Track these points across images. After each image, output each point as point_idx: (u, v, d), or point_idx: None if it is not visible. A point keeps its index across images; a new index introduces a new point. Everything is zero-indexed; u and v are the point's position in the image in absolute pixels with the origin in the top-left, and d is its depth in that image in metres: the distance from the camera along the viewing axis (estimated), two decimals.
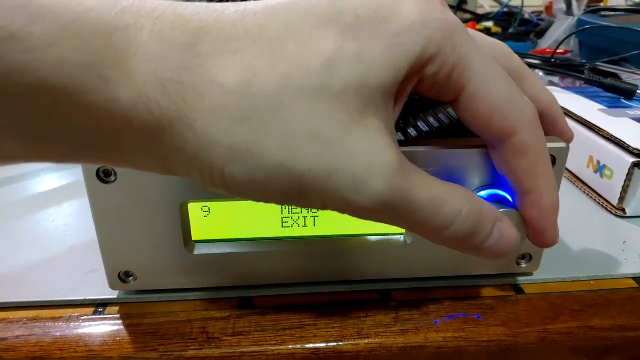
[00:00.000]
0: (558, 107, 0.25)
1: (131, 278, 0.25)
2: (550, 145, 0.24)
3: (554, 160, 0.24)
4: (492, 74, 0.19)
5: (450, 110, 0.28)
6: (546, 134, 0.25)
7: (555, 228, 0.21)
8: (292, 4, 0.18)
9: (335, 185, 0.17)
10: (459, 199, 0.19)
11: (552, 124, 0.24)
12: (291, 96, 0.16)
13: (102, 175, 0.23)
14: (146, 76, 0.15)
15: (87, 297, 0.26)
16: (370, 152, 0.17)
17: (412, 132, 0.26)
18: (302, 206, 0.18)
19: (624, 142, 0.33)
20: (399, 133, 0.25)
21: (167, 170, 0.17)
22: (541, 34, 0.77)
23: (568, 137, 0.25)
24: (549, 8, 0.90)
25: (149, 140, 0.16)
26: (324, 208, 0.18)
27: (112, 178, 0.23)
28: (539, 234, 0.22)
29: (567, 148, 0.24)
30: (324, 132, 0.16)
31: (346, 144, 0.16)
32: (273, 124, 0.16)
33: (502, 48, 0.24)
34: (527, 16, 0.89)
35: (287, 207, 0.25)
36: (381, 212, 0.17)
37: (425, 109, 0.28)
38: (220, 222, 0.25)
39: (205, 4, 0.17)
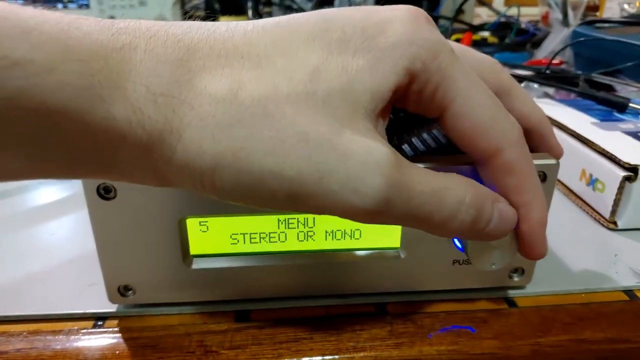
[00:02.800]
0: (547, 124, 0.25)
1: (130, 292, 0.26)
2: (540, 162, 0.24)
3: (544, 177, 0.24)
4: (476, 94, 0.19)
5: None
6: (535, 149, 0.25)
7: (544, 241, 0.22)
8: (282, 22, 0.18)
9: (329, 187, 0.16)
10: (460, 186, 0.19)
11: (541, 140, 0.25)
12: (277, 103, 0.16)
13: (102, 191, 0.23)
14: (139, 93, 0.16)
15: (87, 311, 0.26)
16: (363, 151, 0.17)
17: (406, 149, 0.26)
18: (299, 211, 0.18)
19: (615, 156, 0.33)
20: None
21: (162, 181, 0.18)
22: (537, 44, 0.77)
23: (557, 153, 0.25)
24: (545, 18, 0.91)
25: (142, 154, 0.17)
26: (322, 212, 0.18)
27: (112, 194, 0.23)
28: (529, 247, 0.22)
29: (557, 165, 0.24)
30: (312, 135, 0.16)
31: (337, 145, 0.16)
32: (259, 130, 0.16)
33: (491, 64, 0.25)
34: (523, 26, 0.90)
35: (283, 221, 0.26)
36: (382, 211, 0.17)
37: (420, 126, 0.28)
38: (217, 236, 0.26)
39: (198, 24, 0.18)
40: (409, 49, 0.18)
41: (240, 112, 0.16)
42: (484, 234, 0.20)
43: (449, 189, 0.18)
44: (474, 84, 0.19)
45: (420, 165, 0.23)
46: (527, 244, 0.22)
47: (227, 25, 0.18)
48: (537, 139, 0.25)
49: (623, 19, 0.68)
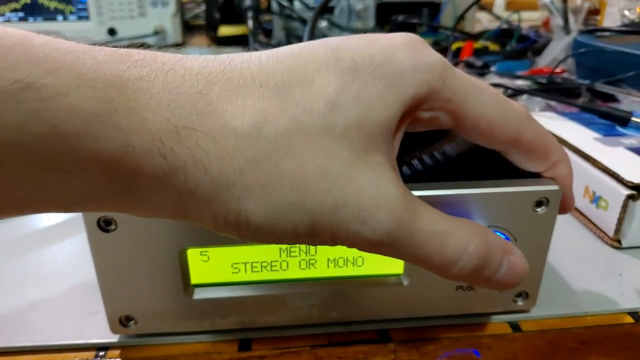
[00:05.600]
0: (571, 179, 0.25)
1: (132, 322, 0.26)
2: (543, 187, 0.24)
3: (547, 202, 0.24)
4: (483, 96, 0.20)
5: (445, 147, 0.28)
6: None
7: (573, 194, 0.25)
8: (294, 52, 0.19)
9: (343, 218, 0.17)
10: (466, 234, 0.19)
11: None
12: (299, 137, 0.17)
13: (102, 224, 0.23)
14: (159, 124, 0.16)
15: (88, 341, 0.26)
16: (374, 186, 0.17)
17: (405, 170, 0.26)
18: (313, 243, 0.18)
19: (619, 175, 0.33)
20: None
21: (177, 213, 0.18)
22: (539, 51, 0.77)
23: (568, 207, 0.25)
24: (546, 24, 0.90)
25: (161, 185, 0.17)
26: (334, 243, 0.18)
27: (113, 227, 0.23)
28: (562, 201, 0.24)
29: (560, 191, 0.24)
30: (331, 169, 0.17)
31: (352, 179, 0.17)
32: (284, 165, 0.17)
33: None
34: (524, 32, 0.89)
35: (284, 250, 0.25)
36: (386, 244, 0.18)
37: (420, 147, 0.28)
38: (218, 266, 0.26)
39: (212, 56, 0.19)
40: (414, 76, 0.18)
41: (266, 147, 0.17)
42: (491, 283, 0.20)
43: (452, 235, 0.19)
44: (478, 87, 0.20)
45: (429, 193, 0.23)
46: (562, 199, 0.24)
47: (241, 57, 0.19)
48: None
49: (624, 28, 0.68)
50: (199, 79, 0.17)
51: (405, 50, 0.19)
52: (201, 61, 0.18)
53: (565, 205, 0.25)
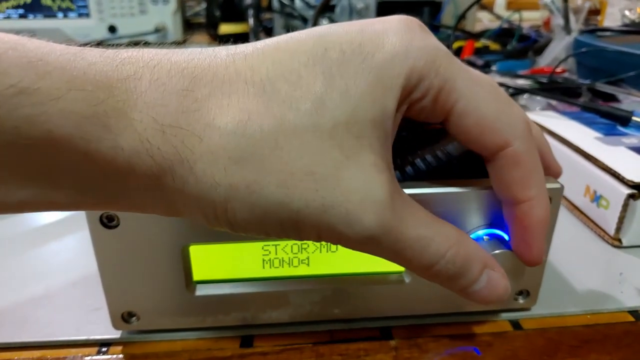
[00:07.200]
0: (544, 141, 0.25)
1: (134, 318, 0.26)
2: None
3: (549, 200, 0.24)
4: (479, 90, 0.19)
5: (448, 147, 0.28)
6: None
7: (542, 244, 0.21)
8: (281, 43, 0.18)
9: (329, 219, 0.17)
10: (446, 240, 0.19)
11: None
12: (285, 136, 0.17)
13: (105, 220, 0.23)
14: (146, 123, 0.16)
15: (91, 337, 0.26)
16: (363, 188, 0.17)
17: (409, 170, 0.26)
18: (299, 239, 0.18)
19: (619, 174, 0.33)
20: (397, 171, 0.26)
21: (172, 212, 0.18)
22: (540, 50, 0.77)
23: (555, 172, 0.25)
24: (547, 23, 0.91)
25: (152, 184, 0.17)
26: (318, 240, 0.18)
27: (115, 223, 0.23)
28: (526, 248, 0.22)
29: (562, 188, 0.24)
30: (318, 169, 0.17)
31: (340, 181, 0.17)
32: (270, 163, 0.17)
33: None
34: (525, 31, 0.89)
35: (289, 248, 0.25)
36: (370, 245, 0.18)
37: (422, 147, 0.28)
38: (220, 263, 0.26)
39: (198, 50, 0.18)
40: (405, 63, 0.18)
41: (250, 146, 0.16)
42: (469, 294, 0.21)
43: (433, 241, 0.19)
44: (474, 81, 0.19)
45: (426, 191, 0.23)
46: (525, 244, 0.22)
47: (227, 50, 0.18)
48: None
49: (624, 28, 0.68)
50: (185, 74, 0.17)
51: (398, 35, 0.18)
52: (187, 55, 0.18)
53: (528, 254, 0.22)
